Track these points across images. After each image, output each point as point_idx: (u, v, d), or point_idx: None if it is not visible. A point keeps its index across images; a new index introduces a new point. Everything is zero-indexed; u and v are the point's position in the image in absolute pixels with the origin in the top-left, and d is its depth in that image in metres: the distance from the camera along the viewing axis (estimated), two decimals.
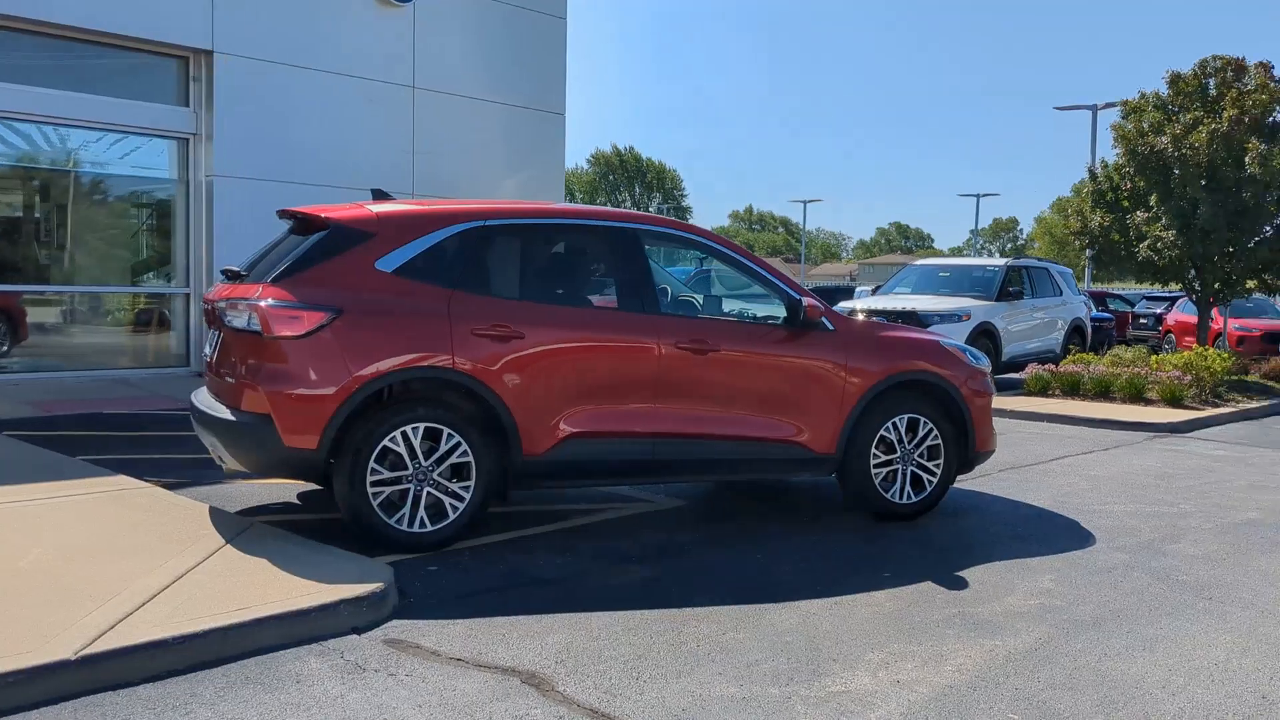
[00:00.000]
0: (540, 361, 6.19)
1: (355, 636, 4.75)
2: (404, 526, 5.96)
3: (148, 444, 9.13)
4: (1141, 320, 30.68)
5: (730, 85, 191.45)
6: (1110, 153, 19.77)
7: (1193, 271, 15.99)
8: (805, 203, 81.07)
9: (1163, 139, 15.24)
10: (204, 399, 6.42)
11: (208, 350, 6.52)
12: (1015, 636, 5.04)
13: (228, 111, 13.35)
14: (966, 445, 7.43)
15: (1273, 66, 15.85)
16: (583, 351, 6.33)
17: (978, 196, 75.65)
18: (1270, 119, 15.34)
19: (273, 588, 4.96)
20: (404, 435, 5.91)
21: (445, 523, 6.05)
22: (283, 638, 4.62)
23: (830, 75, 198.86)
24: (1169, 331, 28.32)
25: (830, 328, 6.95)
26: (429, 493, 6.00)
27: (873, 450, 7.07)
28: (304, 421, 5.76)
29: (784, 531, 6.95)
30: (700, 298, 8.68)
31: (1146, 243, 15.86)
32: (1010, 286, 16.33)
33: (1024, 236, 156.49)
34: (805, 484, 8.44)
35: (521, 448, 6.16)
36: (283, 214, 6.72)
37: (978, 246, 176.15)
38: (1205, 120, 15.20)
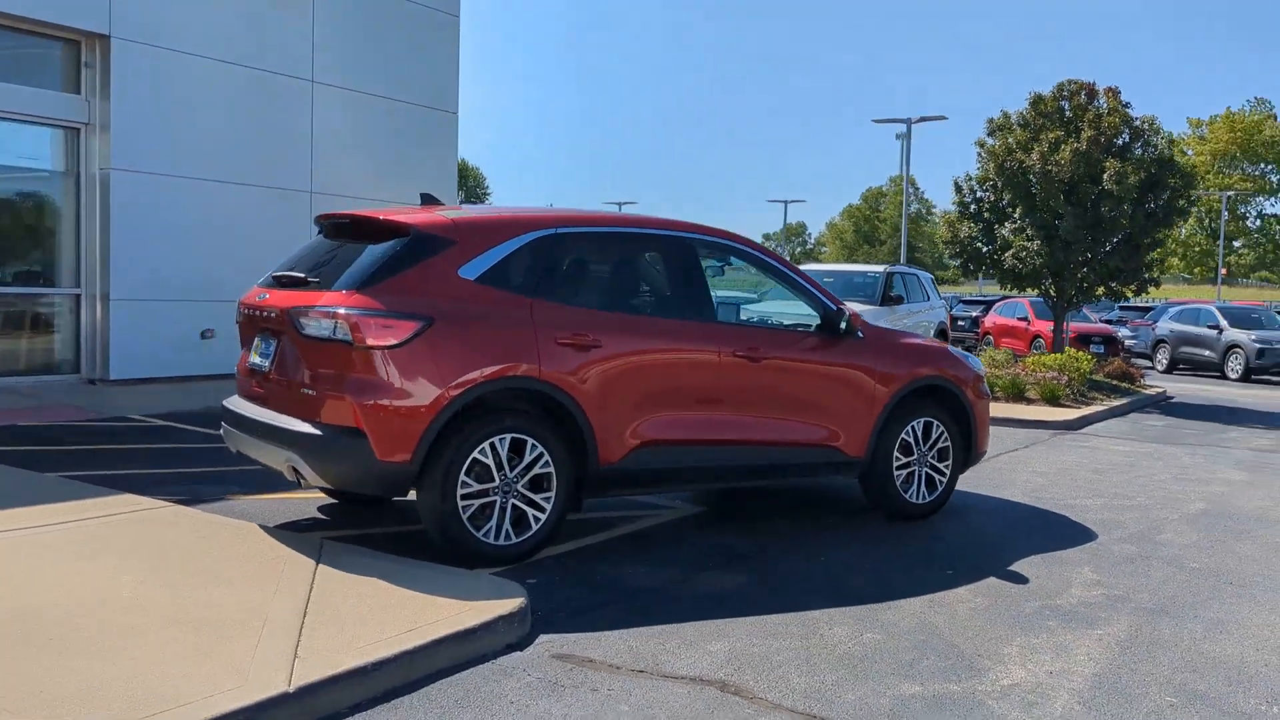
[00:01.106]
0: (616, 370, 6.20)
1: (519, 654, 4.68)
2: (491, 540, 5.85)
3: (101, 458, 8.51)
4: (959, 323, 32.74)
5: (548, 88, 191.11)
6: (942, 165, 20.96)
7: (1050, 279, 17.23)
8: (619, 204, 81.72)
9: (1032, 156, 16.37)
10: (255, 409, 6.09)
11: (258, 359, 6.18)
12: (1109, 625, 5.43)
13: (125, 101, 12.49)
14: (970, 447, 7.87)
15: (1119, 92, 17.31)
16: (653, 360, 6.37)
17: (785, 203, 78.38)
18: (1120, 140, 16.73)
19: (416, 608, 4.81)
20: (492, 447, 5.80)
21: (528, 534, 5.97)
22: (455, 658, 4.51)
23: (646, 82, 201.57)
24: (987, 333, 30.34)
25: (861, 335, 7.23)
26: (513, 504, 5.92)
27: (894, 453, 7.40)
28: (398, 435, 5.58)
29: (819, 533, 7.18)
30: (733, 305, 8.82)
31: (1011, 251, 17.01)
32: (891, 291, 17.18)
33: (812, 241, 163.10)
34: (800, 487, 8.70)
35: (599, 457, 6.15)
36: (338, 217, 6.47)
37: (771, 249, 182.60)
38: (1067, 140, 16.43)
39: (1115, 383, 18.04)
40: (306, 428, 5.66)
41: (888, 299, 16.90)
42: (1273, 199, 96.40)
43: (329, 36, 14.73)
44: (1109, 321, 32.99)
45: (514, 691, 4.26)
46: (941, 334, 18.80)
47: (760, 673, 4.57)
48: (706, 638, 4.97)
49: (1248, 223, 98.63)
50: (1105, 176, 16.00)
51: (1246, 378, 25.22)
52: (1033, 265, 16.80)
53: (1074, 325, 24.54)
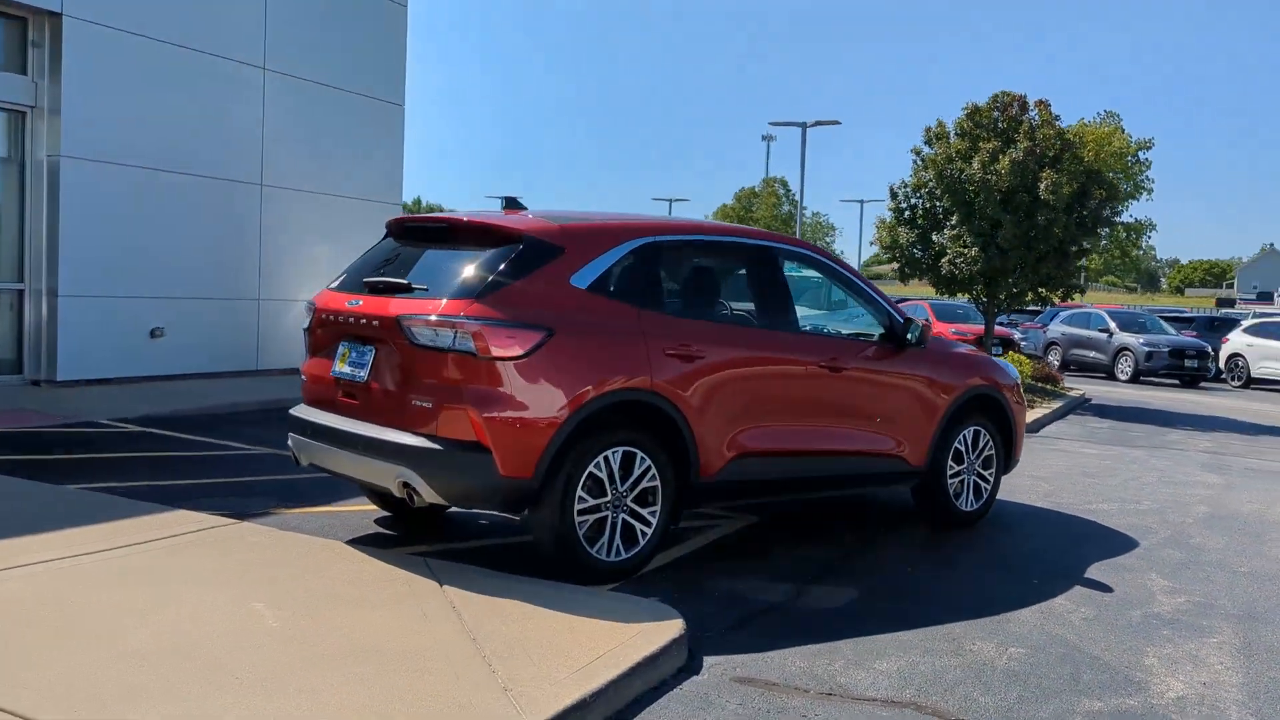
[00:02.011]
0: (716, 382, 6.09)
1: (696, 679, 4.54)
2: (604, 555, 5.68)
3: (101, 469, 7.95)
4: None
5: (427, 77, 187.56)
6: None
7: (982, 284, 17.72)
8: (502, 199, 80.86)
9: (973, 165, 16.82)
10: (344, 421, 5.76)
11: (346, 369, 5.84)
12: (1218, 634, 5.59)
13: (77, 83, 11.69)
14: (1010, 454, 8.02)
15: (1049, 104, 17.94)
16: (749, 371, 6.28)
17: (670, 201, 78.77)
18: (1052, 152, 17.32)
19: (585, 634, 4.62)
20: (605, 461, 5.63)
21: (636, 549, 5.82)
22: (645, 685, 4.36)
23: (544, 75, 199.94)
24: None
25: (924, 346, 7.27)
26: (623, 519, 5.76)
27: (949, 461, 7.48)
28: (522, 449, 5.36)
29: (888, 543, 7.21)
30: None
31: (948, 258, 17.44)
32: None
33: None
34: (837, 498, 8.71)
35: (700, 469, 6.03)
36: (428, 221, 6.19)
37: None
38: (1005, 150, 16.94)
39: (1041, 385, 18.69)
40: (422, 442, 5.38)
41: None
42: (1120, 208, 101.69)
43: (281, 22, 14.11)
44: (1001, 324, 34.14)
45: None
46: None
47: (943, 692, 4.55)
48: (866, 655, 4.92)
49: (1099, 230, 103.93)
50: (1042, 187, 16.54)
51: (1135, 379, 26.47)
52: (969, 271, 17.25)
53: (966, 326, 25.30)
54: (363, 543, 6.26)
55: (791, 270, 7.22)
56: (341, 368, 5.89)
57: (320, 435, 5.91)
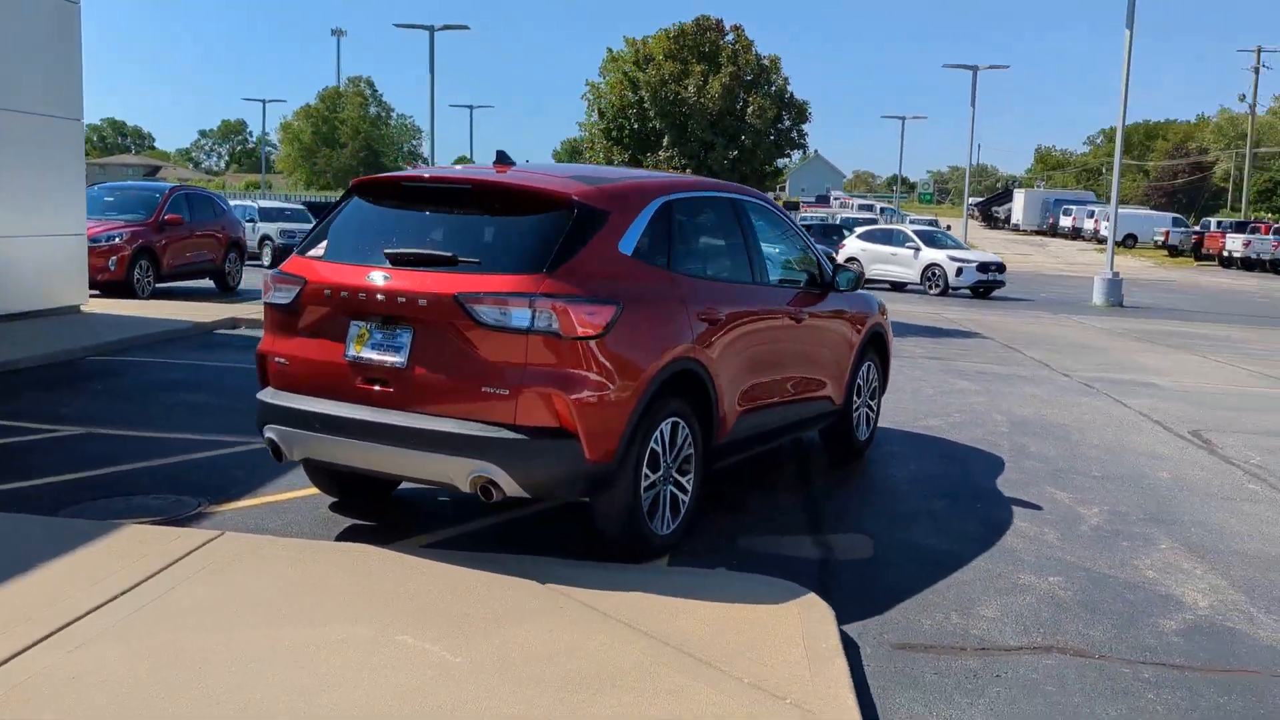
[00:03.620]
0: (730, 341, 6.03)
1: (867, 651, 4.61)
2: (660, 530, 5.54)
3: None
4: None
5: None
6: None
7: None
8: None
9: (688, 89, 17.32)
10: (374, 412, 5.10)
11: (371, 353, 5.14)
12: (1161, 541, 6.47)
13: None
14: (884, 383, 8.61)
15: (743, 29, 18.79)
16: (749, 327, 6.25)
17: (263, 102, 73.78)
18: (750, 76, 18.24)
19: (754, 621, 4.53)
20: (660, 433, 5.46)
21: (679, 519, 5.72)
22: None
23: None
24: None
25: (842, 287, 7.54)
26: (670, 490, 5.63)
27: (853, 396, 7.92)
28: (606, 432, 5.05)
29: (823, 483, 7.54)
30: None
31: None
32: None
33: (253, 139, 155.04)
34: None
35: (720, 431, 6.00)
36: (449, 181, 5.53)
37: (207, 148, 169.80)
38: (715, 74, 17.61)
39: None
40: (501, 432, 4.90)
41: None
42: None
43: None
44: None
45: (944, 695, 4.26)
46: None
47: (1055, 631, 4.94)
48: (962, 604, 5.21)
49: None
50: (749, 111, 17.39)
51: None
52: None
53: None
54: (358, 538, 5.65)
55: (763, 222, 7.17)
56: (360, 351, 5.18)
57: (334, 427, 5.19)
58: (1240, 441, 9.62)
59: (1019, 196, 74.39)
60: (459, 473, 4.98)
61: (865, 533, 6.33)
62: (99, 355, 11.52)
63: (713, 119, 17.44)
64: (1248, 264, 49.32)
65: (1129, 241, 57.29)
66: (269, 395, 5.52)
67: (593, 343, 4.99)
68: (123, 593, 4.48)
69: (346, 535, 5.81)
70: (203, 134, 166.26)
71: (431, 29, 40.91)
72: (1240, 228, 53.29)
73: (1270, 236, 49.15)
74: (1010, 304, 26.96)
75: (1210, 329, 22.02)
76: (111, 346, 11.89)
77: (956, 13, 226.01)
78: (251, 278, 22.76)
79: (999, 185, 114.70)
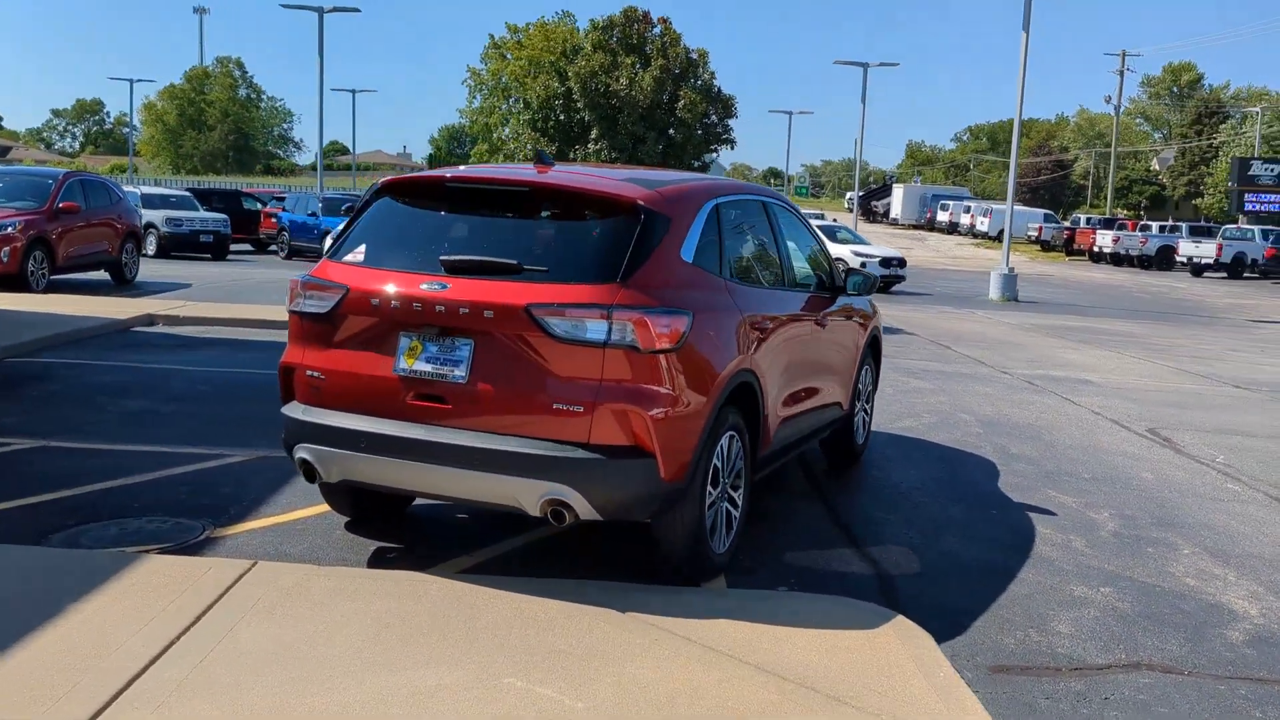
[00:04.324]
0: (774, 349, 5.82)
1: (968, 675, 4.47)
2: (718, 549, 5.31)
3: None
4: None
5: None
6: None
7: None
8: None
9: (620, 81, 17.04)
10: (427, 431, 4.73)
11: (425, 366, 4.75)
12: (1180, 546, 6.54)
13: None
14: (875, 386, 8.53)
15: (670, 21, 18.60)
16: (787, 334, 6.06)
17: (131, 81, 70.67)
18: (678, 69, 18.05)
19: (861, 649, 4.35)
20: (720, 448, 5.23)
21: (732, 536, 5.50)
22: None
23: None
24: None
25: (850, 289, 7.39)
26: (725, 507, 5.40)
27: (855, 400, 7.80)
28: (680, 449, 4.79)
29: (830, 489, 7.41)
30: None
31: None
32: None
33: (110, 120, 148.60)
34: None
35: (764, 443, 5.79)
36: (506, 183, 5.18)
37: (61, 128, 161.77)
38: (646, 68, 17.36)
39: None
40: (576, 452, 4.59)
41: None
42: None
43: None
44: None
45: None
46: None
47: (1133, 646, 4.90)
48: (1037, 620, 5.12)
49: None
50: (680, 105, 17.23)
51: None
52: None
53: None
54: (391, 562, 5.29)
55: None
56: (413, 365, 4.80)
57: (383, 447, 4.80)
58: (1198, 440, 9.87)
59: (898, 191, 76.22)
60: (528, 495, 4.65)
61: (903, 545, 6.21)
62: (16, 357, 10.67)
63: (643, 112, 17.22)
64: (1116, 259, 51.46)
65: (1003, 236, 59.14)
66: (299, 411, 5.09)
67: (669, 356, 4.72)
68: (179, 636, 4.04)
69: (378, 559, 5.42)
70: (55, 113, 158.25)
71: (321, 10, 39.59)
72: (1108, 224, 55.62)
73: (1137, 233, 51.37)
74: (913, 299, 27.47)
75: (1109, 324, 22.80)
76: (27, 347, 11.04)
77: (828, 6, 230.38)
78: (149, 269, 21.66)
79: (872, 180, 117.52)
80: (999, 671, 4.54)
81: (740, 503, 5.54)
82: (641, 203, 4.98)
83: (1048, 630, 5.01)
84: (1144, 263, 49.90)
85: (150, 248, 26.84)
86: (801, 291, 6.65)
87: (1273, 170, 52.16)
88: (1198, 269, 45.65)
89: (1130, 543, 6.48)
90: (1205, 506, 7.45)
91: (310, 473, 5.07)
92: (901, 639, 4.46)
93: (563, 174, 5.37)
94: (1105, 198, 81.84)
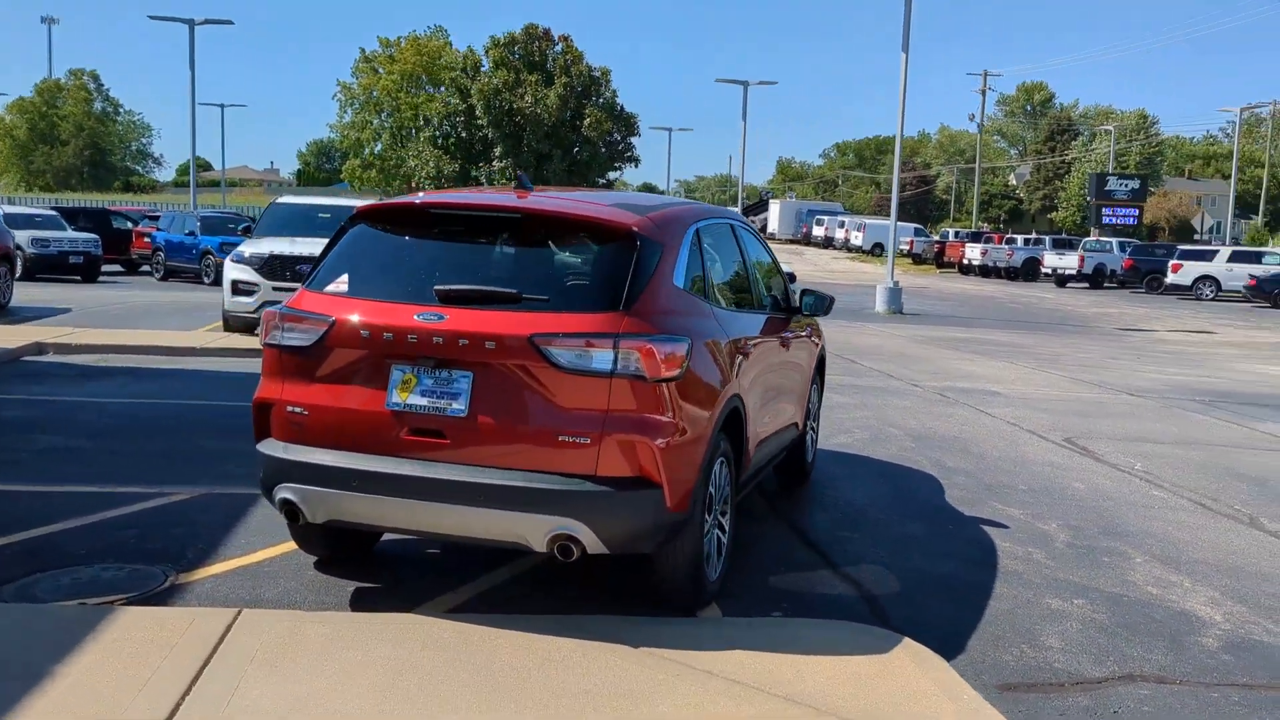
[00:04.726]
0: (753, 373, 5.82)
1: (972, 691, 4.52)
2: (711, 575, 5.27)
3: None
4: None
5: None
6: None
7: None
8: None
9: (526, 99, 16.91)
10: (428, 467, 4.57)
11: (415, 399, 4.59)
12: (1129, 555, 6.76)
13: None
14: (820, 403, 8.60)
15: (571, 39, 18.55)
16: (761, 358, 6.05)
17: None
18: (581, 87, 18.01)
19: (879, 675, 4.35)
20: (714, 474, 5.19)
21: (722, 562, 5.46)
22: None
23: None
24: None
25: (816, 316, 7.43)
26: (716, 534, 5.36)
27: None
28: (685, 479, 4.74)
29: (790, 511, 7.43)
30: None
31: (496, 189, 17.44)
32: None
33: None
34: None
35: (744, 467, 5.78)
36: (495, 210, 5.05)
37: None
38: (550, 85, 17.27)
39: None
40: (583, 485, 4.49)
41: None
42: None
43: None
44: None
45: None
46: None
47: (1120, 659, 5.03)
48: (1025, 635, 5.22)
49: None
50: (586, 124, 17.21)
51: None
52: None
53: None
54: (374, 603, 5.09)
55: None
56: (406, 398, 4.63)
57: (377, 485, 4.61)
58: (1113, 449, 10.24)
59: (774, 207, 77.56)
60: (535, 531, 4.53)
61: (876, 563, 6.26)
62: None
63: (548, 130, 17.12)
64: (985, 271, 53.31)
65: (877, 250, 60.75)
66: (279, 449, 4.85)
67: (672, 385, 4.66)
68: (184, 697, 3.80)
69: (361, 601, 5.20)
70: None
71: (192, 23, 38.33)
72: (975, 238, 57.64)
73: (1004, 246, 53.38)
74: None
75: (994, 335, 23.57)
76: None
77: (714, 27, 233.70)
78: (19, 293, 20.56)
79: (744, 196, 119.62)
80: (1007, 690, 4.60)
81: (728, 528, 5.51)
82: (636, 229, 4.92)
83: (1039, 645, 5.11)
84: (1010, 274, 51.82)
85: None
86: (767, 313, 6.66)
87: (1127, 186, 54.97)
88: (1061, 280, 47.61)
89: (1085, 553, 6.67)
90: (1140, 514, 7.73)
91: (293, 513, 4.83)
92: (916, 662, 4.49)
93: (549, 199, 5.28)
94: (967, 212, 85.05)
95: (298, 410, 4.82)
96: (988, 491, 8.14)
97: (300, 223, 16.26)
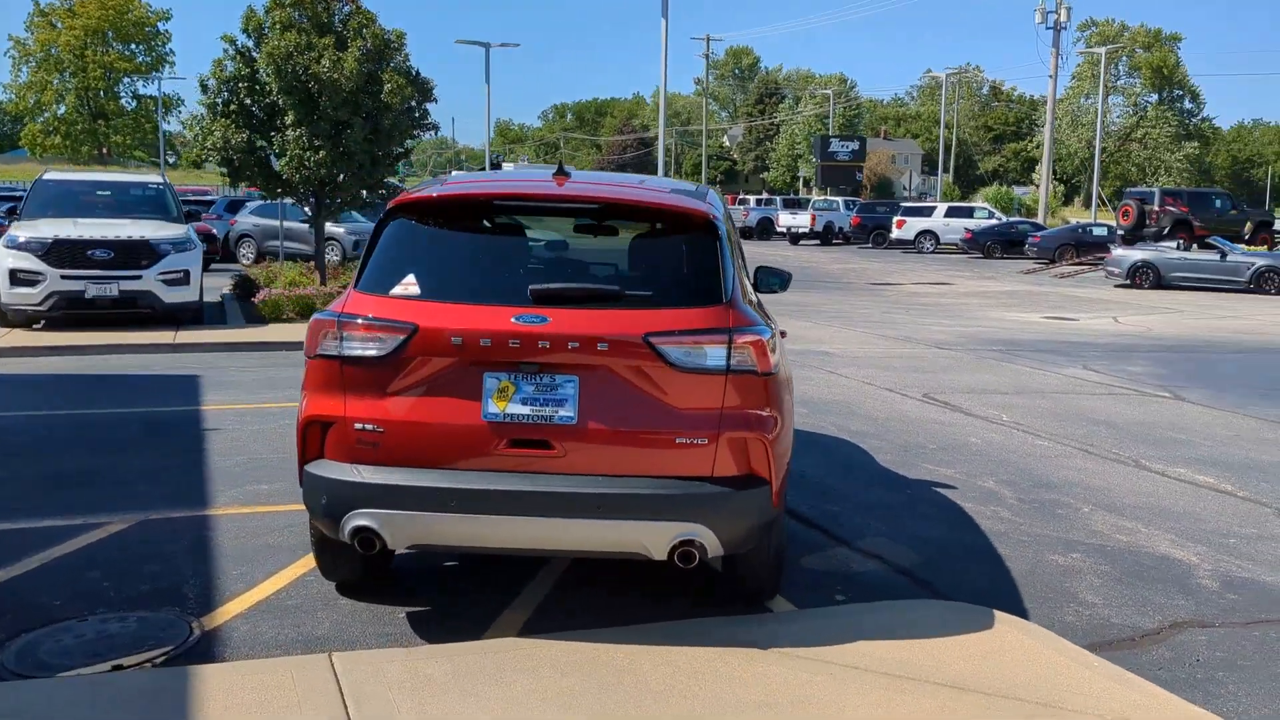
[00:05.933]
0: None
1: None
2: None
3: None
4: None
5: None
6: None
7: (315, 187, 16.86)
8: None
9: (323, 64, 15.82)
10: (536, 480, 4.23)
11: (517, 408, 4.21)
12: (1076, 506, 7.24)
13: None
14: None
15: (360, 2, 17.48)
16: None
17: None
18: (376, 51, 17.02)
19: (994, 655, 4.44)
20: None
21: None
22: None
23: None
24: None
25: None
26: None
27: None
28: (783, 472, 4.63)
29: None
30: None
31: (288, 160, 16.24)
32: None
33: None
34: None
35: None
36: (581, 200, 4.63)
37: None
38: (346, 49, 16.25)
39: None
40: (706, 487, 4.29)
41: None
42: (145, 80, 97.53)
43: None
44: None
45: (1208, 689, 4.48)
46: None
47: (1158, 604, 5.38)
48: (1060, 594, 5.47)
49: (123, 103, 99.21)
50: (386, 90, 16.37)
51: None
52: (317, 174, 16.37)
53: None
54: (433, 626, 4.69)
55: None
56: (505, 407, 4.25)
57: (479, 503, 4.22)
58: (970, 401, 10.87)
59: (509, 169, 76.89)
60: (657, 540, 4.29)
61: (880, 535, 6.38)
62: None
63: (346, 96, 16.08)
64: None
65: None
66: (345, 472, 4.33)
67: (772, 378, 4.53)
68: None
69: (424, 627, 4.76)
70: None
71: None
72: None
73: (739, 206, 55.56)
74: None
75: (800, 296, 24.42)
76: None
77: None
78: None
79: (462, 158, 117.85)
80: (1097, 650, 4.80)
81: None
82: (714, 218, 4.72)
83: (1082, 601, 5.38)
84: (745, 233, 54.00)
85: None
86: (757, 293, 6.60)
87: (848, 147, 58.44)
88: (795, 237, 50.07)
89: (1039, 507, 7.06)
90: (1049, 465, 8.25)
91: (369, 543, 4.34)
92: (1024, 634, 4.61)
93: (608, 187, 4.97)
94: (686, 174, 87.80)
95: (369, 428, 4.32)
96: (907, 452, 8.46)
97: (76, 202, 14.62)
